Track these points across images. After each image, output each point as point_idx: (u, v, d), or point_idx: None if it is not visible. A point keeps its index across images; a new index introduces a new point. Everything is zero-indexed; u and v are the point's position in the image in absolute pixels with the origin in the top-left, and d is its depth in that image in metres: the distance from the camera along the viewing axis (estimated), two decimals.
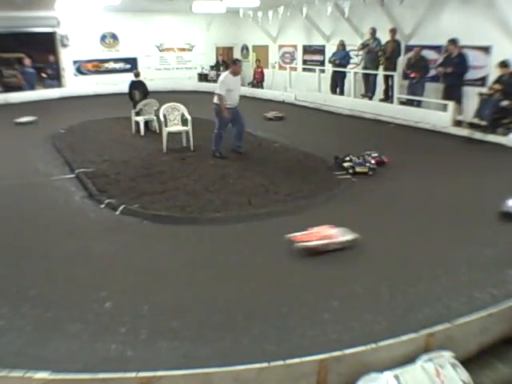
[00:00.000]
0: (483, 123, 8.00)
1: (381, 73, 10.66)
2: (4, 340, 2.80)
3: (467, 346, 2.64)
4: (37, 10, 12.63)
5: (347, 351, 2.37)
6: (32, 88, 13.75)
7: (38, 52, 14.52)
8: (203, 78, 16.44)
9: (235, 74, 7.08)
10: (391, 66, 10.25)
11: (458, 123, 8.62)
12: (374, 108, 10.33)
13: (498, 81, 7.89)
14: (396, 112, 9.71)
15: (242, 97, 14.17)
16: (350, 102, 10.94)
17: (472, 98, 8.68)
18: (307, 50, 14.02)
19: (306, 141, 7.96)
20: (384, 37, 10.38)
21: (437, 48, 9.70)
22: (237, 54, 17.40)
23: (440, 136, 8.48)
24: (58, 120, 10.21)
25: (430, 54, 9.81)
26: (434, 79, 9.70)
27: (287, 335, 2.85)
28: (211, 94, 14.90)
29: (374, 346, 2.40)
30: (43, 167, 6.76)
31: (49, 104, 12.91)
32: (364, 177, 6.09)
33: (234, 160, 6.88)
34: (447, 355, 2.43)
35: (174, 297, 3.33)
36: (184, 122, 7.72)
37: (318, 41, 13.33)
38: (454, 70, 8.61)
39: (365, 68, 11.15)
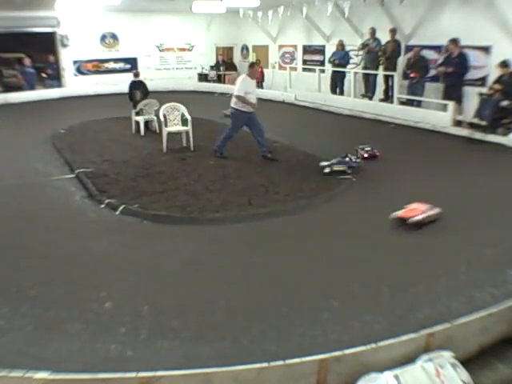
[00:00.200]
0: (483, 123, 8.00)
1: (381, 73, 10.66)
2: (4, 340, 2.80)
3: (467, 346, 2.64)
4: (37, 9, 12.63)
5: (347, 351, 2.37)
6: (32, 88, 13.76)
7: (37, 52, 14.51)
8: (203, 78, 16.44)
9: (252, 77, 7.00)
10: (391, 66, 10.24)
11: (458, 123, 8.62)
12: (374, 108, 10.33)
13: (498, 81, 7.88)
14: (396, 112, 9.71)
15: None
16: (350, 102, 10.94)
17: (472, 98, 8.68)
18: (307, 49, 14.02)
19: (306, 141, 7.96)
20: (384, 37, 10.37)
21: (437, 48, 9.70)
22: (237, 54, 17.43)
23: (440, 136, 8.48)
24: (57, 120, 10.22)
25: (429, 54, 9.81)
26: (434, 79, 9.70)
27: (287, 335, 2.85)
28: (211, 93, 15.10)
29: (374, 345, 2.39)
30: (43, 167, 6.76)
31: (49, 104, 12.92)
32: (364, 177, 6.09)
33: (234, 160, 6.88)
34: (447, 355, 2.43)
35: (174, 297, 3.33)
36: (184, 121, 7.72)
37: (317, 41, 13.33)
38: (454, 70, 8.60)
39: (365, 68, 11.15)
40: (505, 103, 7.71)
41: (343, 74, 11.75)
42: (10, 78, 14.04)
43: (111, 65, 15.38)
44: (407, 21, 10.26)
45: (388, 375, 2.30)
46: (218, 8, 12.21)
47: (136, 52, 15.55)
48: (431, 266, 3.72)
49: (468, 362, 2.50)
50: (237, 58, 17.50)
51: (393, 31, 10.16)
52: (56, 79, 14.68)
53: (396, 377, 2.29)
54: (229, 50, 17.39)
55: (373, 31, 10.71)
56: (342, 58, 11.66)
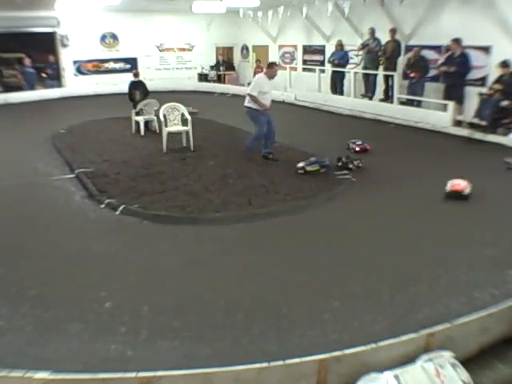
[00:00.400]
0: (483, 123, 8.00)
1: (381, 73, 10.66)
2: (4, 340, 2.80)
3: (467, 346, 2.64)
4: (37, 9, 12.63)
5: (347, 351, 2.37)
6: (32, 88, 13.76)
7: (38, 52, 14.52)
8: (203, 78, 16.45)
9: (270, 76, 6.87)
10: (391, 66, 10.25)
11: (458, 123, 8.62)
12: (374, 108, 10.34)
13: (498, 81, 7.89)
14: (396, 112, 9.72)
15: (241, 97, 14.26)
16: (350, 102, 10.94)
17: (472, 98, 8.68)
18: (307, 49, 14.02)
19: (306, 141, 7.96)
20: (384, 37, 10.38)
21: (437, 48, 9.70)
22: (237, 54, 17.43)
23: (440, 136, 8.48)
24: (57, 120, 10.23)
25: (429, 54, 9.81)
26: (434, 79, 9.70)
27: (287, 335, 2.85)
28: (211, 93, 15.10)
29: (374, 345, 2.39)
30: (43, 167, 6.76)
31: (49, 104, 12.92)
32: (364, 177, 6.09)
33: (234, 160, 6.88)
34: (447, 355, 2.43)
35: (174, 297, 3.33)
36: (184, 122, 7.72)
37: (317, 41, 13.33)
38: (457, 70, 8.59)
39: (365, 68, 11.15)
40: (505, 103, 7.71)
41: (343, 74, 11.76)
42: (10, 77, 14.05)
43: (111, 65, 15.38)
44: (407, 21, 10.26)
45: (388, 375, 2.30)
46: (218, 8, 12.21)
47: (136, 52, 15.55)
48: (431, 266, 3.72)
49: (468, 362, 2.50)
50: (237, 58, 17.50)
51: (393, 31, 10.16)
52: (56, 79, 14.68)
53: (396, 377, 2.29)
54: (229, 50, 17.39)
55: (372, 31, 10.71)
56: (341, 58, 11.67)
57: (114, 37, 15.27)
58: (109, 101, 12.71)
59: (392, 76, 10.14)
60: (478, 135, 7.96)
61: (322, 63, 13.00)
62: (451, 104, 8.62)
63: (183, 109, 7.78)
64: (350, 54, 11.91)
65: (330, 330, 2.89)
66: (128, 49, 15.41)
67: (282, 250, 4.11)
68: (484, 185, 5.79)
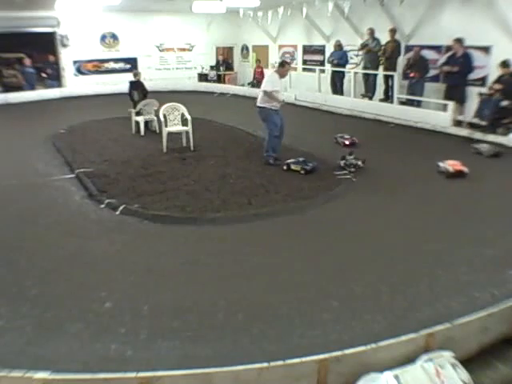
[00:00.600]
0: (483, 123, 8.00)
1: (381, 73, 10.66)
2: (4, 340, 2.80)
3: (467, 346, 2.64)
4: (37, 10, 12.62)
5: (347, 351, 2.37)
6: (32, 88, 13.76)
7: (38, 52, 14.53)
8: (203, 78, 16.45)
9: (281, 76, 6.79)
10: (391, 66, 10.24)
11: (458, 123, 8.62)
12: (374, 108, 10.33)
13: (498, 81, 7.89)
14: (396, 112, 9.71)
15: (241, 97, 14.32)
16: (350, 102, 10.94)
17: (472, 98, 8.68)
18: (307, 50, 14.02)
19: (306, 141, 7.96)
20: (384, 37, 10.37)
21: (437, 48, 9.70)
22: (237, 54, 17.42)
23: (440, 136, 8.47)
24: (57, 120, 10.22)
25: (429, 54, 9.81)
26: (434, 79, 9.70)
27: (287, 335, 2.85)
28: (211, 93, 15.09)
29: (373, 346, 2.40)
30: (43, 167, 6.76)
31: (49, 104, 12.92)
32: (364, 177, 6.09)
33: (234, 160, 6.88)
34: (447, 355, 2.43)
35: (174, 297, 3.33)
36: (184, 121, 7.72)
37: (317, 41, 13.33)
38: (459, 70, 8.57)
39: (365, 68, 11.15)
40: (505, 103, 7.71)
41: (342, 74, 11.76)
42: (10, 77, 14.02)
43: (111, 65, 15.37)
44: (407, 21, 10.26)
45: (388, 375, 2.30)
46: (218, 8, 12.21)
47: (136, 52, 15.54)
48: (431, 266, 3.72)
49: (468, 362, 2.51)
50: (237, 58, 17.50)
51: (392, 31, 10.16)
52: (56, 79, 14.68)
53: (396, 377, 2.29)
54: (229, 50, 17.38)
55: (371, 31, 10.71)
56: (340, 58, 11.68)
57: (114, 37, 15.26)
58: (109, 101, 12.71)
59: (392, 76, 10.13)
60: (478, 135, 7.96)
61: (322, 63, 13.00)
62: (451, 104, 8.62)
63: (183, 109, 7.79)
64: (350, 54, 11.91)
65: (329, 330, 2.89)
66: (128, 49, 15.40)
67: (282, 250, 4.11)
68: (484, 185, 5.81)
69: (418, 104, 9.76)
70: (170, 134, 7.54)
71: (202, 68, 16.55)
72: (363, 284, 3.45)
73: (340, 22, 11.93)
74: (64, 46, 14.42)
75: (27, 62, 13.75)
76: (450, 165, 6.10)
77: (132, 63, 15.40)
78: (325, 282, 3.53)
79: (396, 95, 9.95)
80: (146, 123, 8.95)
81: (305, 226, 4.69)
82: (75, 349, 2.72)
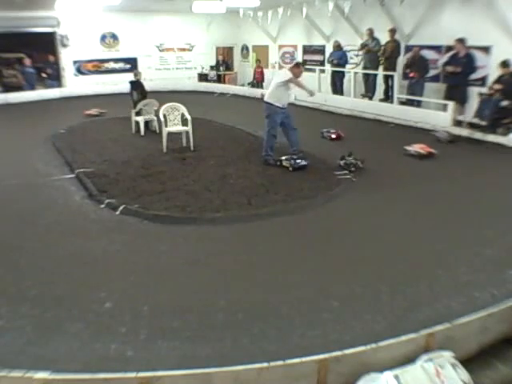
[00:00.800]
0: (483, 123, 8.00)
1: (380, 73, 10.66)
2: (4, 340, 2.80)
3: (467, 346, 2.64)
4: (37, 10, 12.63)
5: (347, 351, 2.36)
6: (32, 88, 13.76)
7: (38, 52, 14.53)
8: (203, 78, 16.45)
9: (295, 76, 6.67)
10: (391, 66, 10.24)
11: (458, 123, 8.62)
12: (374, 108, 10.33)
13: (498, 81, 7.89)
14: (396, 112, 9.71)
15: (241, 97, 14.32)
16: (350, 102, 10.94)
17: (472, 98, 8.68)
18: (307, 50, 14.02)
19: (306, 141, 7.93)
20: (384, 37, 10.37)
21: (437, 48, 9.71)
22: (237, 54, 17.43)
23: None
24: (57, 120, 10.22)
25: (429, 54, 9.81)
26: (434, 79, 9.70)
27: (287, 335, 2.85)
28: (211, 93, 15.09)
29: (373, 346, 2.39)
30: (43, 167, 6.76)
31: (49, 104, 12.92)
32: (364, 177, 6.09)
33: (234, 160, 6.88)
34: (447, 355, 2.43)
35: (174, 297, 3.33)
36: (184, 121, 7.72)
37: (317, 41, 13.34)
38: (462, 70, 8.54)
39: (364, 68, 11.16)
40: (505, 103, 7.71)
41: (342, 74, 11.76)
42: (10, 77, 14.04)
43: (111, 65, 15.38)
44: (407, 21, 10.26)
45: (388, 375, 2.30)
46: (218, 8, 12.22)
47: (136, 52, 15.55)
48: (431, 266, 3.72)
49: (468, 362, 2.50)
50: (237, 58, 17.50)
51: (392, 31, 10.16)
52: (56, 79, 14.69)
53: (396, 377, 2.29)
54: (229, 50, 17.39)
55: (370, 31, 10.71)
56: (340, 58, 11.69)
57: (114, 37, 15.27)
58: (109, 101, 12.70)
59: (392, 76, 10.14)
60: (478, 135, 7.96)
61: (322, 63, 13.01)
62: (451, 104, 8.62)
63: (183, 109, 7.79)
64: (350, 54, 11.91)
65: (329, 330, 2.89)
66: (128, 49, 15.41)
67: (282, 250, 4.11)
68: (484, 185, 5.81)
69: (418, 104, 9.76)
70: (170, 134, 7.54)
71: (202, 68, 16.56)
72: (363, 284, 3.45)
73: (340, 22, 11.93)
74: (64, 46, 14.43)
75: (27, 61, 13.75)
76: (420, 148, 7.03)
77: (132, 63, 15.41)
78: (325, 282, 3.53)
79: (396, 95, 9.96)
80: (146, 123, 8.95)
81: (305, 226, 4.69)
82: (75, 349, 2.72)
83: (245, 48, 17.03)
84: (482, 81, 8.79)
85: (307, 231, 4.57)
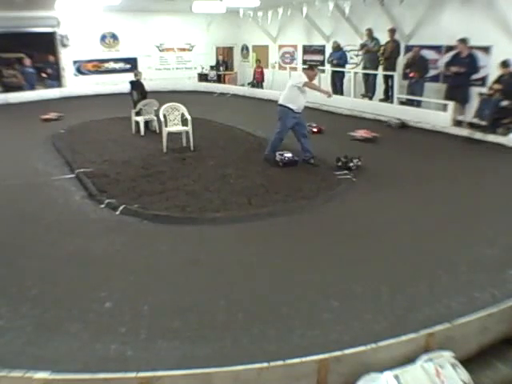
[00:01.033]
0: (483, 123, 8.00)
1: (380, 73, 10.66)
2: (4, 340, 2.80)
3: (467, 346, 2.64)
4: (37, 10, 12.63)
5: (347, 351, 2.36)
6: (32, 88, 13.77)
7: (38, 52, 14.52)
8: (203, 78, 16.45)
9: (309, 79, 6.59)
10: (391, 66, 10.24)
11: (458, 123, 8.62)
12: (374, 108, 10.33)
13: (497, 81, 7.89)
14: (396, 112, 9.71)
15: (241, 97, 14.32)
16: (350, 102, 10.94)
17: (472, 98, 8.67)
18: (307, 50, 14.03)
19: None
20: (384, 37, 10.37)
21: (437, 48, 9.70)
22: (237, 54, 17.43)
23: (440, 136, 8.48)
24: (57, 120, 10.23)
25: (429, 54, 9.81)
26: (434, 79, 9.70)
27: (287, 335, 2.85)
28: (211, 93, 15.09)
29: (373, 346, 2.39)
30: (43, 167, 6.76)
31: (49, 104, 12.92)
32: (364, 177, 6.09)
33: (234, 160, 6.88)
34: (447, 355, 2.43)
35: (174, 297, 3.33)
36: (184, 121, 7.72)
37: (317, 41, 13.34)
38: (466, 70, 8.50)
39: (364, 68, 11.15)
40: (505, 103, 7.71)
41: (342, 74, 11.76)
42: (10, 77, 14.04)
43: (111, 65, 15.38)
44: (407, 21, 10.26)
45: (388, 375, 2.30)
46: (218, 8, 12.22)
47: (136, 52, 15.56)
48: (431, 266, 3.72)
49: (468, 362, 2.50)
50: (237, 58, 17.50)
51: (392, 31, 10.15)
52: (56, 79, 14.69)
53: (396, 377, 2.29)
54: (229, 50, 17.39)
55: (370, 32, 10.71)
56: (339, 58, 11.70)
57: (114, 37, 15.27)
58: (109, 101, 12.71)
59: (392, 76, 10.14)
60: (478, 135, 7.96)
61: (322, 63, 13.01)
62: (451, 104, 8.62)
63: (183, 109, 7.79)
64: (350, 54, 11.92)
65: (330, 330, 2.89)
66: (128, 49, 15.42)
67: (282, 250, 4.11)
68: (484, 185, 5.81)
69: (418, 104, 9.76)
70: (170, 134, 7.54)
71: (202, 68, 16.56)
72: (363, 284, 3.45)
73: (340, 22, 11.93)
74: (64, 45, 14.43)
75: (27, 62, 13.76)
76: (365, 133, 8.09)
77: (132, 63, 15.42)
78: (325, 281, 3.53)
79: (396, 95, 9.96)
80: (146, 123, 8.95)
81: (305, 226, 4.69)
82: (75, 349, 2.72)
83: (245, 48, 17.03)
84: (482, 81, 8.79)
85: (307, 231, 4.57)
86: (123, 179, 5.97)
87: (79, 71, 14.98)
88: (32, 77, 13.88)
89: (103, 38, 15.12)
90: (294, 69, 13.60)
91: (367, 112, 10.35)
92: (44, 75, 14.69)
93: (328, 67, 12.17)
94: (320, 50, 13.40)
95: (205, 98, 13.97)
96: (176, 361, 2.59)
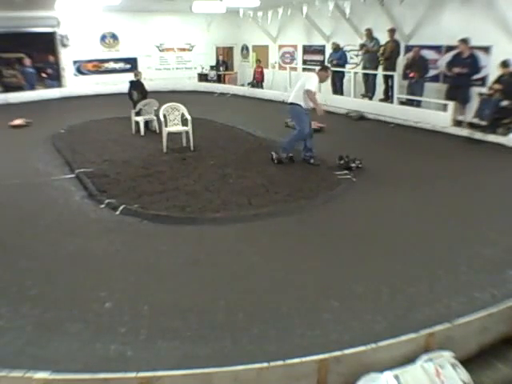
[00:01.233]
0: (483, 123, 7.99)
1: (380, 73, 10.66)
2: (4, 340, 2.80)
3: (467, 346, 2.64)
4: (37, 9, 12.64)
5: (347, 351, 2.36)
6: (32, 88, 13.77)
7: (38, 52, 14.53)
8: (203, 78, 16.45)
9: (321, 80, 6.58)
10: (390, 66, 10.24)
11: (458, 123, 8.61)
12: (374, 108, 10.33)
13: (497, 81, 7.88)
14: (396, 112, 9.71)
15: (241, 97, 14.32)
16: (350, 102, 10.94)
17: (472, 98, 8.67)
18: (307, 50, 14.03)
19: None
20: (384, 37, 10.37)
21: (437, 48, 9.70)
22: (237, 54, 17.43)
23: (440, 136, 8.47)
24: (57, 120, 10.22)
25: (429, 54, 9.81)
26: (434, 79, 9.69)
27: (287, 335, 2.85)
28: (211, 93, 15.09)
29: (373, 345, 2.39)
30: (43, 167, 6.76)
31: (49, 104, 12.92)
32: (364, 177, 6.09)
33: (234, 160, 6.88)
34: (447, 355, 2.43)
35: (174, 297, 3.33)
36: (184, 121, 7.72)
37: (317, 41, 13.34)
38: (468, 71, 8.49)
39: (364, 68, 11.15)
40: (505, 103, 7.70)
41: (342, 74, 11.76)
42: (10, 77, 14.05)
43: (111, 65, 15.38)
44: (407, 21, 10.26)
45: (388, 375, 2.30)
46: (218, 8, 12.22)
47: (136, 52, 15.56)
48: (431, 266, 3.72)
49: (468, 362, 2.50)
50: (237, 58, 17.50)
51: (391, 31, 10.15)
52: (56, 79, 14.70)
53: (396, 377, 2.29)
54: (229, 50, 17.39)
55: (369, 32, 10.71)
56: (339, 58, 11.70)
57: (114, 37, 15.27)
58: (109, 101, 12.71)
59: (392, 76, 10.13)
60: (478, 135, 7.96)
61: (322, 63, 12.98)
62: (451, 104, 8.61)
63: (183, 109, 7.79)
64: (350, 54, 11.92)
65: (330, 330, 2.89)
66: (128, 49, 15.42)
67: (282, 250, 4.11)
68: (484, 185, 5.80)
69: (418, 104, 9.76)
70: (170, 134, 7.54)
71: (202, 68, 16.56)
72: (363, 284, 3.45)
73: (340, 22, 11.94)
74: (64, 46, 14.43)
75: (27, 62, 13.76)
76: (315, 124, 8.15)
77: (132, 63, 15.42)
78: (325, 281, 3.53)
79: (396, 95, 9.95)
80: (146, 123, 8.96)
81: (305, 226, 4.69)
82: (75, 349, 2.72)
83: (245, 48, 17.03)
84: (482, 81, 8.78)
85: (307, 231, 4.57)
86: (123, 179, 5.97)
87: (79, 71, 14.98)
88: (32, 77, 13.88)
89: (103, 37, 15.12)
90: (294, 69, 13.63)
91: (367, 112, 10.34)
92: (44, 75, 14.70)
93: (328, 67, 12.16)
94: (320, 50, 13.40)
95: (205, 98, 13.96)
96: (176, 361, 2.59)
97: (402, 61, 10.24)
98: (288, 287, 3.44)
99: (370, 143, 7.93)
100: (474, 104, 8.53)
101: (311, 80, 6.51)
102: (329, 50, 12.60)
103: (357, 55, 11.80)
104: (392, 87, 10.15)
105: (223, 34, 16.60)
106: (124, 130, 9.06)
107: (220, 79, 16.44)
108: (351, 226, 4.68)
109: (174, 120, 7.72)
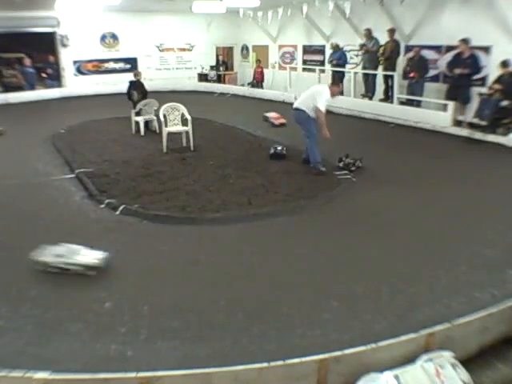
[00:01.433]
0: (483, 123, 7.99)
1: (380, 73, 10.66)
2: (4, 340, 2.80)
3: (467, 346, 2.64)
4: (37, 9, 12.63)
5: (347, 351, 2.37)
6: (32, 88, 13.77)
7: (38, 52, 14.53)
8: (203, 78, 16.45)
9: (332, 95, 6.43)
10: (390, 66, 10.23)
11: (458, 123, 8.61)
12: (374, 108, 10.33)
13: (497, 81, 7.88)
14: (396, 112, 9.71)
15: (241, 97, 14.31)
16: (350, 102, 10.93)
17: (472, 97, 8.67)
18: (307, 50, 14.03)
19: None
20: (384, 37, 10.36)
21: (437, 48, 9.70)
22: (237, 54, 17.43)
23: (440, 136, 8.47)
24: (57, 120, 10.22)
25: (429, 54, 9.80)
26: (434, 79, 9.69)
27: (287, 335, 2.85)
28: (211, 93, 15.09)
29: (373, 345, 2.40)
30: (43, 167, 6.76)
31: (49, 104, 12.92)
32: (364, 177, 6.09)
33: (234, 160, 6.88)
34: (447, 355, 2.43)
35: (174, 297, 3.33)
36: (184, 122, 7.72)
37: (317, 41, 13.34)
38: (469, 71, 8.46)
39: (364, 68, 11.15)
40: (505, 103, 7.70)
41: (342, 74, 11.76)
42: (10, 77, 14.04)
43: (111, 65, 15.37)
44: (407, 21, 10.25)
45: (388, 375, 2.30)
46: (218, 8, 12.21)
47: (136, 52, 15.55)
48: (431, 266, 3.72)
49: (468, 362, 2.51)
50: (237, 58, 17.50)
51: (391, 31, 10.14)
52: (56, 79, 14.69)
53: (396, 377, 2.29)
54: (229, 50, 17.39)
55: (368, 32, 10.70)
56: (339, 58, 11.69)
57: (114, 37, 15.26)
58: (109, 101, 12.70)
59: (392, 76, 10.13)
60: (478, 135, 7.96)
61: (322, 63, 13.01)
62: (451, 104, 8.61)
63: (183, 109, 7.79)
64: (350, 54, 11.91)
65: (330, 330, 2.89)
66: (128, 49, 15.41)
67: (282, 250, 4.11)
68: (484, 185, 5.80)
69: (418, 104, 9.75)
70: (170, 134, 7.54)
71: (202, 68, 16.56)
72: (363, 284, 3.45)
73: (340, 22, 11.93)
74: (64, 45, 14.42)
75: (27, 62, 13.75)
76: (275, 118, 9.47)
77: (132, 63, 15.41)
78: (325, 281, 3.53)
79: (396, 95, 9.95)
80: (146, 123, 8.95)
81: (305, 226, 4.69)
82: (75, 349, 2.72)
83: (245, 48, 17.03)
84: (482, 81, 8.78)
85: (307, 231, 4.57)
86: (123, 179, 5.97)
87: (79, 71, 14.97)
88: (32, 77, 13.88)
89: (103, 37, 15.12)
90: (294, 69, 13.63)
91: (367, 112, 10.34)
92: (44, 75, 14.70)
93: (328, 67, 12.16)
94: (320, 50, 13.40)
95: (205, 98, 13.96)
96: (176, 361, 2.59)
97: (402, 61, 10.23)
98: (288, 287, 3.44)
99: (370, 143, 7.92)
100: (473, 104, 8.53)
101: (323, 96, 6.30)
102: (329, 50, 12.59)
103: (357, 55, 11.80)
104: (392, 87, 10.14)
105: (223, 34, 16.60)
106: (124, 130, 9.06)
107: (220, 79, 16.44)
108: (351, 225, 4.68)
109: (174, 120, 7.72)
